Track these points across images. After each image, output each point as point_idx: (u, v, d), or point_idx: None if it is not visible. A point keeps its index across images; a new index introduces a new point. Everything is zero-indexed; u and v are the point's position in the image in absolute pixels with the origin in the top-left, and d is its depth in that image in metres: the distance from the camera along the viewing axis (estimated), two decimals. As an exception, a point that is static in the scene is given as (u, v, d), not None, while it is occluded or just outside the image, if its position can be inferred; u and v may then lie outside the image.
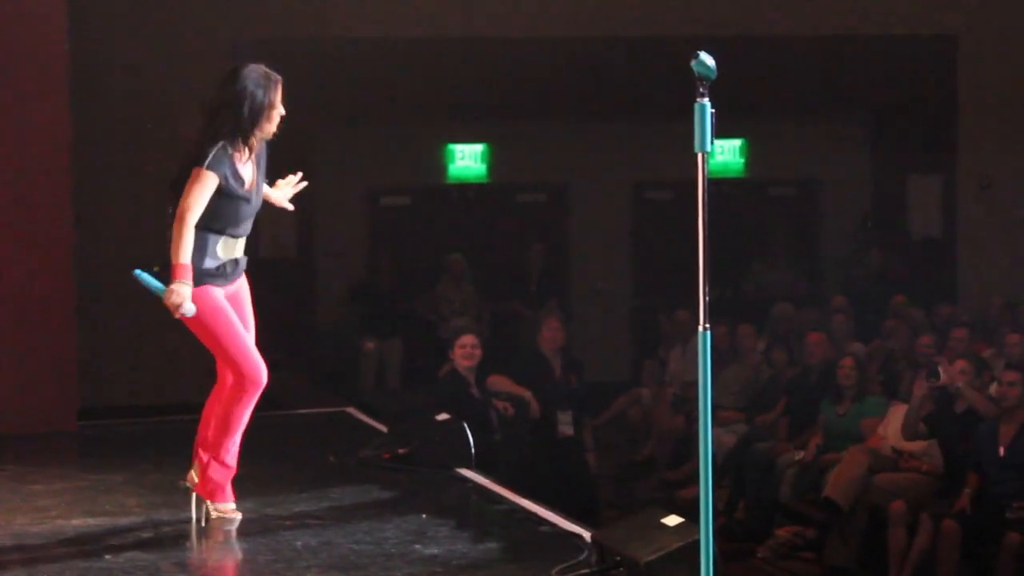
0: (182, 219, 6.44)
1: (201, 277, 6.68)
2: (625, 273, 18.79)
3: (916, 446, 12.50)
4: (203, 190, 6.52)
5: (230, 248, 6.88)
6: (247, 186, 7.01)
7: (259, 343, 13.23)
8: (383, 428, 12.32)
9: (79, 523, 9.32)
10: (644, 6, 16.23)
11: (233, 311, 7.00)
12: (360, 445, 11.95)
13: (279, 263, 18.04)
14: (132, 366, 15.52)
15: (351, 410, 13.65)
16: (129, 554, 8.55)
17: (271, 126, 7.00)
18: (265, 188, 7.43)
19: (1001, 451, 11.69)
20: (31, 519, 9.43)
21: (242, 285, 7.34)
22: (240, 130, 6.72)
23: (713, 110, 5.42)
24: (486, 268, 16.26)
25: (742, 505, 13.59)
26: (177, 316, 6.31)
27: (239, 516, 7.72)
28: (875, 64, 18.54)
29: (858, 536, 12.58)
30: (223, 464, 7.34)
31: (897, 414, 13.01)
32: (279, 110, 7.00)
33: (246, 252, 7.46)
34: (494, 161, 18.47)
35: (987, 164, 19.47)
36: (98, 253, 13.82)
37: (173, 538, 9.01)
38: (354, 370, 16.64)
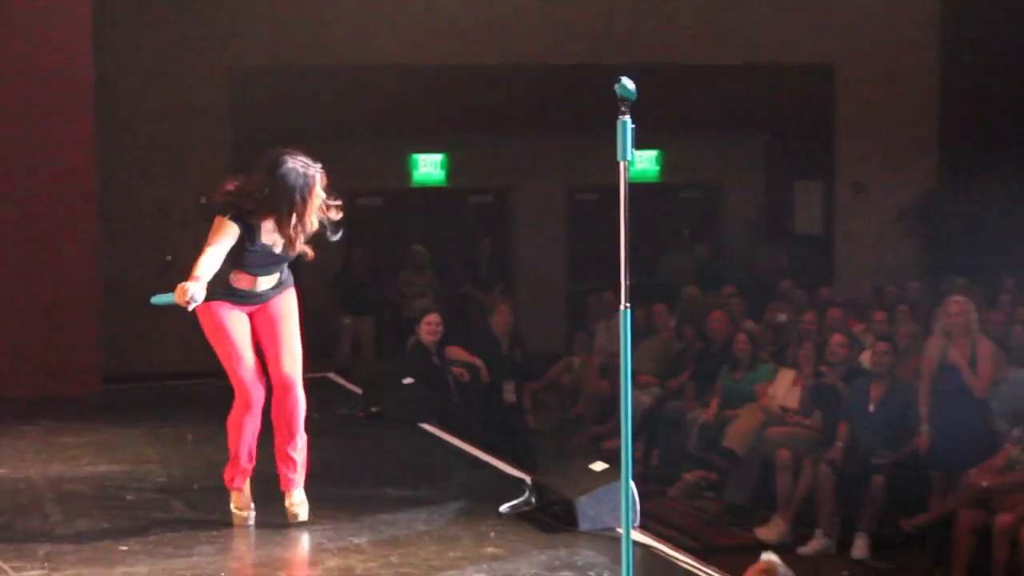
0: (201, 251, 6.22)
1: (214, 293, 6.41)
2: (560, 262, 18.80)
3: (798, 404, 12.62)
4: (216, 235, 6.29)
5: (243, 280, 6.60)
6: (268, 244, 6.67)
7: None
8: (358, 391, 12.34)
9: (104, 469, 9.41)
10: (575, 38, 16.30)
11: (242, 331, 6.74)
12: (338, 405, 11.99)
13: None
14: (149, 338, 15.51)
15: (331, 375, 13.67)
16: (146, 495, 8.65)
17: (306, 221, 6.54)
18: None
19: (871, 408, 11.77)
20: (64, 466, 9.51)
21: (275, 305, 6.97)
22: (273, 219, 6.44)
23: (633, 126, 5.55)
24: (443, 257, 16.25)
25: (656, 454, 13.73)
26: (190, 306, 6.02)
27: (242, 517, 7.33)
28: (768, 88, 18.62)
29: (752, 479, 12.69)
30: (235, 460, 7.11)
31: (783, 378, 13.21)
32: (315, 205, 6.53)
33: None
34: (451, 168, 18.51)
35: (859, 173, 19.58)
36: (120, 241, 13.78)
37: (181, 480, 9.05)
38: (333, 342, 16.68)
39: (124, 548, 7.40)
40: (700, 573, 7.33)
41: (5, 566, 7.11)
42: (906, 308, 14.53)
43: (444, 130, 17.97)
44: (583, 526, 6.67)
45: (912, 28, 19.64)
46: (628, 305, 5.84)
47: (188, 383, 13.82)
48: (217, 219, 6.29)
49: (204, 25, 16.38)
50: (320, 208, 6.57)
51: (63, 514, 8.24)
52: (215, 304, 6.52)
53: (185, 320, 17.79)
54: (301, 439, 7.14)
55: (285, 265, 6.99)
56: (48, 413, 11.18)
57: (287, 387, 6.89)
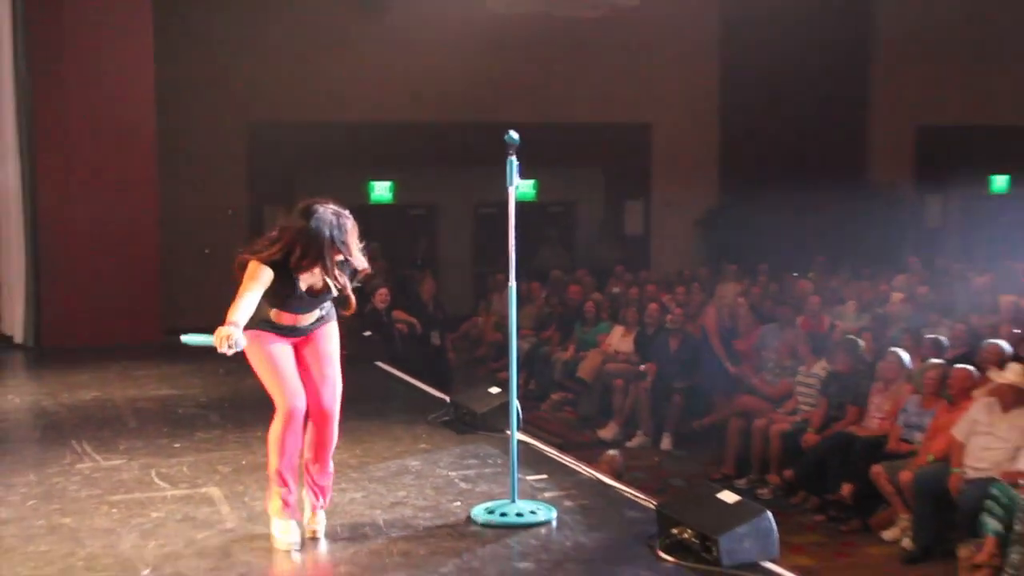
0: (236, 295, 5.04)
1: (258, 325, 5.23)
2: (469, 254, 18.73)
3: (628, 348, 12.76)
4: (251, 281, 5.08)
5: (285, 318, 5.34)
6: (306, 287, 5.35)
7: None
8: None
9: (164, 392, 9.59)
10: (481, 102, 16.28)
11: (285, 354, 5.36)
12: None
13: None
14: (194, 300, 15.42)
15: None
16: (191, 409, 8.81)
17: (338, 266, 5.24)
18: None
19: (672, 351, 11.92)
20: (137, 391, 9.68)
21: (318, 338, 5.56)
22: (305, 267, 5.17)
23: (517, 163, 5.75)
24: (392, 251, 16.16)
25: (533, 382, 13.81)
26: (230, 351, 4.81)
27: (287, 543, 5.36)
28: (607, 138, 18.63)
29: (596, 398, 12.77)
30: (277, 475, 5.33)
31: (617, 332, 13.28)
32: (351, 254, 5.27)
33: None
34: (397, 191, 18.42)
35: (668, 194, 19.65)
36: (171, 234, 13.71)
37: (216, 400, 9.13)
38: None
39: (177, 445, 7.60)
40: (561, 460, 7.47)
41: (98, 456, 7.21)
42: (697, 286, 14.74)
43: (393, 165, 17.92)
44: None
45: (699, 95, 19.67)
46: (514, 282, 6.05)
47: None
48: (252, 264, 5.14)
49: (230, 93, 16.36)
50: (353, 253, 5.30)
51: (136, 422, 8.41)
52: (261, 333, 5.29)
53: (223, 286, 17.84)
54: (330, 467, 5.66)
55: (316, 306, 5.56)
56: (124, 355, 11.14)
57: (326, 418, 5.48)
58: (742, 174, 19.71)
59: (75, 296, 11.86)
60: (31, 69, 11.66)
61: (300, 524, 5.45)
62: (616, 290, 15.10)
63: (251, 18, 16.12)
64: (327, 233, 5.14)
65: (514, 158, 5.76)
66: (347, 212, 5.32)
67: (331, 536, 5.61)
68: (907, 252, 17.07)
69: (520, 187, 5.90)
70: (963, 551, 8.03)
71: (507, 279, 6.05)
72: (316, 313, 5.49)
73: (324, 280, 5.33)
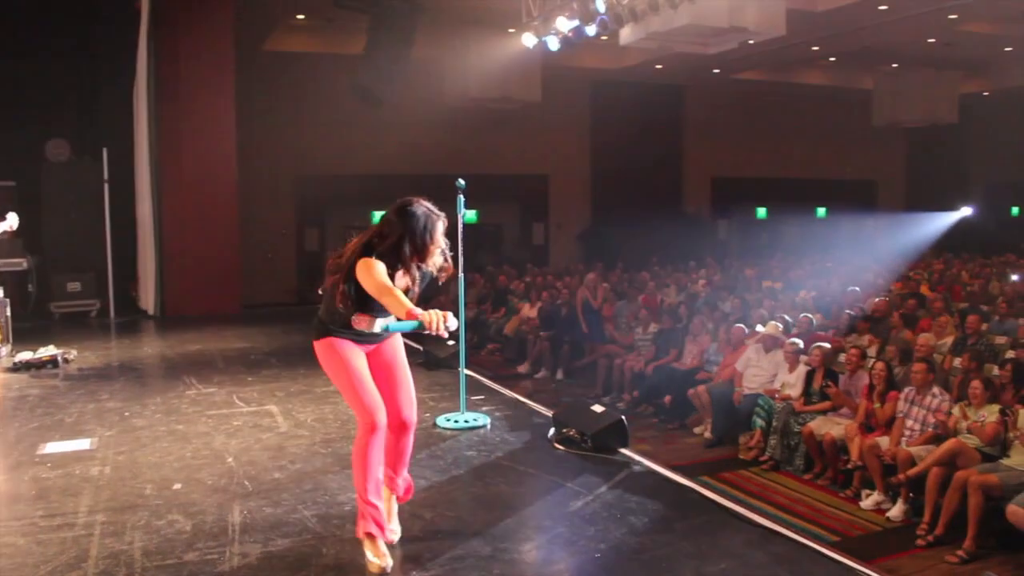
0: (383, 294, 3.45)
1: (334, 331, 3.77)
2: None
3: (534, 315, 12.74)
4: (380, 275, 3.52)
5: (365, 322, 3.75)
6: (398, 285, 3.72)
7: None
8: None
9: (241, 345, 9.61)
10: (441, 159, 16.07)
11: (363, 364, 3.79)
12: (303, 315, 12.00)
13: (315, 254, 17.94)
14: (263, 283, 15.33)
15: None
16: (260, 356, 8.74)
17: (431, 259, 3.80)
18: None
19: (562, 316, 11.94)
20: (224, 344, 9.64)
21: (388, 348, 3.98)
22: (401, 260, 3.67)
23: (464, 199, 5.87)
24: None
25: (475, 338, 13.61)
26: (446, 331, 3.28)
27: (378, 566, 3.70)
28: (522, 185, 18.71)
29: (516, 346, 12.66)
30: (366, 502, 3.74)
31: (527, 306, 13.08)
32: (439, 246, 3.82)
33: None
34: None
35: (559, 217, 19.79)
36: (246, 241, 13.62)
37: (277, 349, 9.08)
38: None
39: (250, 379, 7.60)
40: (493, 387, 7.53)
41: (199, 386, 7.20)
42: (577, 276, 14.78)
43: (387, 201, 17.59)
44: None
45: (578, 156, 19.83)
46: (462, 274, 6.13)
47: (283, 308, 13.86)
48: (364, 261, 3.58)
49: (282, 154, 16.23)
50: (440, 251, 3.86)
51: (224, 364, 8.38)
52: (336, 340, 3.77)
53: (280, 272, 17.65)
54: (408, 470, 4.13)
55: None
56: (215, 321, 11.13)
57: (406, 428, 3.98)
58: (605, 206, 19.95)
59: (186, 284, 11.98)
60: (159, 140, 11.73)
61: (390, 546, 3.85)
62: (529, 278, 15.08)
63: (297, 104, 16.01)
64: (423, 225, 3.74)
65: (462, 197, 5.87)
66: (437, 209, 3.87)
67: (345, 438, 5.64)
68: (706, 255, 17.22)
69: (466, 214, 5.95)
70: (742, 439, 8.21)
71: (457, 272, 5.98)
72: (391, 318, 3.78)
73: (410, 280, 3.80)
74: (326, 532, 4.09)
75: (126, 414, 6.31)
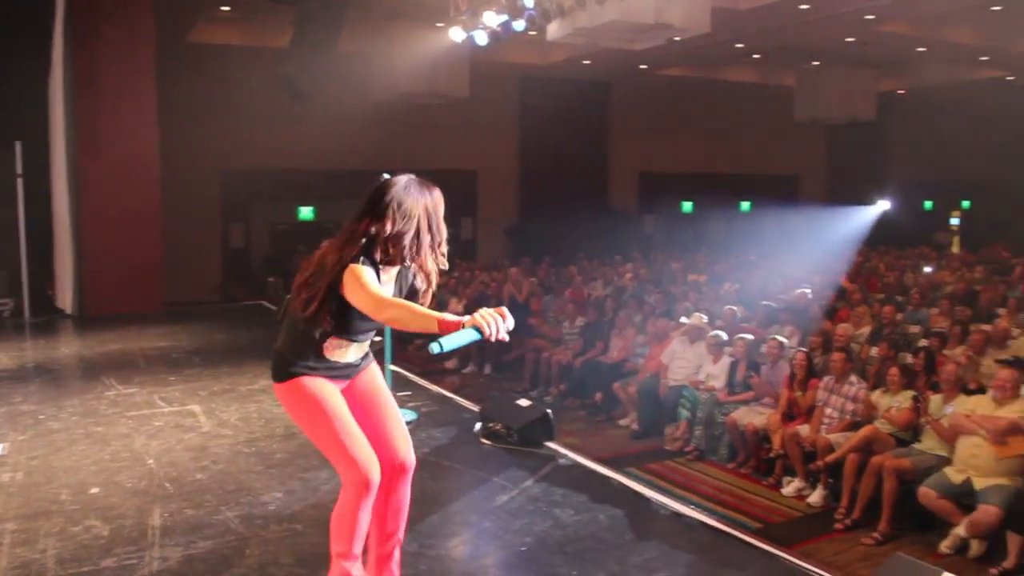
0: (385, 308, 2.66)
1: (303, 367, 2.93)
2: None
3: (462, 310, 12.70)
4: (366, 280, 2.72)
5: (340, 351, 2.97)
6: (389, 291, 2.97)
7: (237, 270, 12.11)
8: (274, 307, 12.18)
9: (163, 344, 9.32)
10: (368, 153, 15.93)
11: (342, 406, 2.94)
12: (269, 315, 11.80)
13: (240, 251, 17.64)
14: (184, 281, 15.02)
15: (263, 302, 13.45)
16: (182, 356, 8.51)
17: (431, 262, 2.94)
18: None
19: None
20: (145, 344, 9.30)
21: (365, 379, 3.14)
22: (407, 258, 2.87)
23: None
24: (312, 252, 15.91)
25: (404, 333, 13.57)
26: (503, 334, 2.49)
27: None
28: (451, 180, 18.63)
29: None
30: (349, 558, 2.95)
31: (453, 300, 12.96)
32: (443, 238, 2.96)
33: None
34: (317, 213, 18.19)
35: (489, 213, 19.83)
36: (169, 237, 13.31)
37: (200, 349, 8.90)
38: (264, 287, 16.25)
39: (172, 378, 7.41)
40: (420, 382, 7.51)
41: (119, 386, 7.01)
42: (505, 270, 14.84)
43: (314, 196, 17.69)
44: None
45: (505, 153, 19.93)
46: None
47: (208, 306, 13.59)
48: (351, 269, 2.75)
49: (208, 149, 15.92)
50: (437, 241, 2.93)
51: (145, 363, 8.14)
52: (306, 380, 2.92)
53: (202, 265, 17.41)
54: (403, 533, 3.16)
55: (373, 333, 3.11)
56: (137, 320, 10.80)
57: (403, 471, 3.06)
58: (532, 202, 20.05)
59: (106, 282, 11.60)
60: (77, 135, 11.35)
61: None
62: (457, 274, 15.03)
63: (221, 98, 15.68)
64: (419, 199, 2.86)
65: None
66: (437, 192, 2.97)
67: (270, 436, 5.56)
68: (633, 249, 17.43)
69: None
70: (668, 430, 8.32)
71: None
72: (366, 345, 3.11)
73: (396, 288, 2.98)
74: (249, 533, 4.03)
75: (41, 417, 6.11)
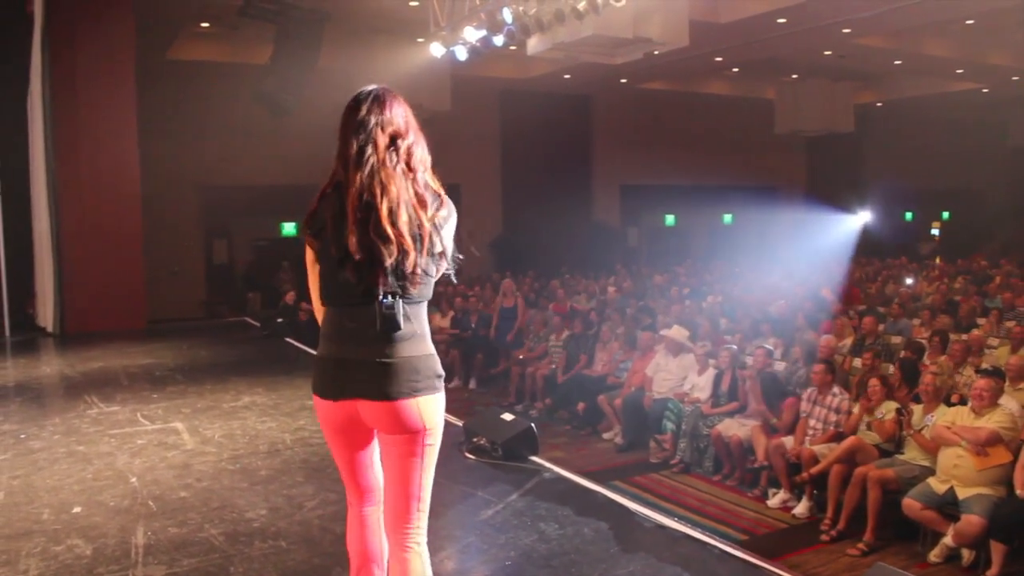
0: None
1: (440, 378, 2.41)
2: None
3: (447, 325, 12.73)
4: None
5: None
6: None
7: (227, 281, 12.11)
8: (257, 324, 12.16)
9: (145, 361, 9.29)
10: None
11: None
12: (252, 331, 11.77)
13: (223, 267, 17.56)
14: (166, 300, 14.94)
15: (247, 319, 13.40)
16: (165, 372, 8.48)
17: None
18: None
19: (472, 324, 11.96)
20: (128, 360, 9.25)
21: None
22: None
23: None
24: (298, 268, 15.91)
25: None
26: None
27: None
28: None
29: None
30: None
31: (441, 315, 12.92)
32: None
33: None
34: (299, 228, 18.14)
35: (472, 225, 19.78)
36: (151, 256, 13.25)
37: (182, 366, 8.84)
38: (245, 302, 16.17)
39: (155, 395, 7.37)
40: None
41: (101, 404, 6.96)
42: (489, 285, 14.83)
43: (297, 211, 17.59)
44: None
45: (489, 167, 19.93)
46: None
47: (191, 323, 13.53)
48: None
49: (188, 166, 15.87)
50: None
51: (127, 381, 8.09)
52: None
53: (188, 285, 17.22)
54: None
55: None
56: (119, 337, 10.78)
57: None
58: (516, 215, 20.03)
59: (87, 300, 11.54)
60: (56, 151, 11.29)
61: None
62: (439, 288, 14.99)
63: (202, 114, 15.62)
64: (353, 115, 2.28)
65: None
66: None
67: (254, 453, 5.55)
68: (616, 262, 17.48)
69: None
70: (653, 442, 8.33)
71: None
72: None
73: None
74: (233, 550, 4.00)
75: (22, 436, 6.05)
